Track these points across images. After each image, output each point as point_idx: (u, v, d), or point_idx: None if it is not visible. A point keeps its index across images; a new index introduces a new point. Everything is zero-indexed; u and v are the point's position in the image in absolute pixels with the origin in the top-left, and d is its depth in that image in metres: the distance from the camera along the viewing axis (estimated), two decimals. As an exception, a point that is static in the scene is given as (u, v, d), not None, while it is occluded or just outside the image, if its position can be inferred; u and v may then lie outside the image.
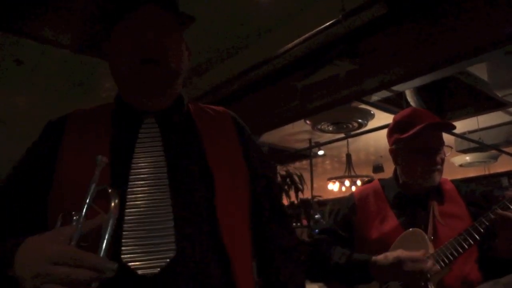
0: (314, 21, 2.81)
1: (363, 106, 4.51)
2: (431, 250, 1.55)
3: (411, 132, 1.67)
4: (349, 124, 5.07)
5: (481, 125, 5.51)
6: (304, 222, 5.85)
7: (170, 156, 1.02)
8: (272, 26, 3.01)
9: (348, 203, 1.84)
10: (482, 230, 1.47)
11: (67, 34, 2.97)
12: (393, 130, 1.82)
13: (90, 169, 0.85)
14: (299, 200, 5.42)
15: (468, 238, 1.48)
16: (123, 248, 0.88)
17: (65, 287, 0.72)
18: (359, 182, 7.02)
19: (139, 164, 0.99)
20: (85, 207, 0.80)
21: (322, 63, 3.06)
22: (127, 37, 1.03)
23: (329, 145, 6.39)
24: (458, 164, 6.10)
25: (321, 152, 7.16)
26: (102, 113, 1.12)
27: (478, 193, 1.72)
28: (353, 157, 6.90)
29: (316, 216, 5.97)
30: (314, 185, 6.46)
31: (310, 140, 6.59)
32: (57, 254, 0.74)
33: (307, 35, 2.90)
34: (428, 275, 1.46)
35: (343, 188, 7.32)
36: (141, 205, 0.93)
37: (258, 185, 1.15)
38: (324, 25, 2.78)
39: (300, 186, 5.26)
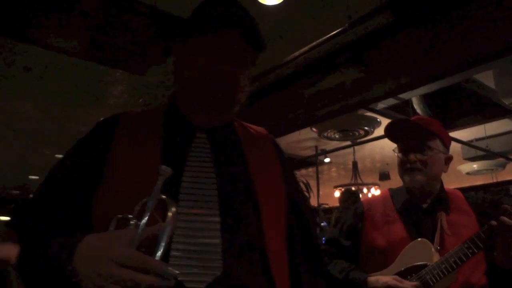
0: (320, 30, 2.82)
1: (370, 113, 4.51)
2: (437, 260, 1.55)
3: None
4: (355, 131, 5.07)
5: (488, 133, 5.48)
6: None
7: (219, 173, 1.03)
8: (279, 34, 3.01)
9: (356, 211, 1.85)
10: (486, 239, 1.46)
11: (75, 42, 3.00)
12: None
13: (145, 174, 0.88)
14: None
15: (471, 246, 1.49)
16: (171, 259, 0.89)
17: None
18: (365, 190, 6.99)
19: (191, 178, 1.01)
20: (148, 214, 0.80)
21: (328, 71, 3.07)
22: (204, 52, 1.04)
23: (335, 153, 6.39)
24: (465, 172, 6.06)
25: (327, 160, 7.15)
26: (154, 118, 1.13)
27: (487, 202, 1.73)
28: (359, 165, 6.89)
29: (322, 223, 5.95)
30: (320, 193, 6.44)
31: (316, 147, 6.59)
32: (123, 256, 0.75)
33: (314, 43, 2.90)
34: None
35: (349, 196, 7.29)
36: (191, 220, 0.95)
37: (293, 213, 1.15)
38: (330, 34, 2.79)
39: (306, 194, 5.24)
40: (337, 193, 7.31)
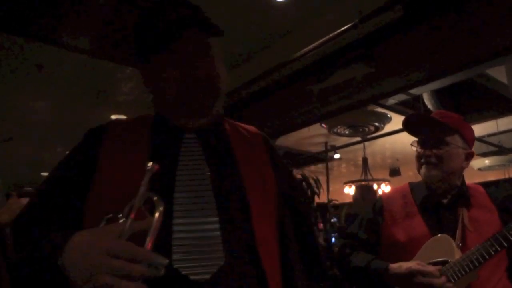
0: (330, 25, 2.81)
1: (380, 109, 4.49)
2: (458, 256, 1.53)
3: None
4: (365, 127, 5.05)
5: (501, 128, 5.43)
6: (320, 225, 5.82)
7: (212, 171, 1.06)
8: (288, 30, 3.01)
9: (375, 206, 1.83)
10: (510, 236, 1.45)
11: (86, 40, 3.02)
12: None
13: (133, 174, 0.89)
14: (315, 204, 5.41)
15: (495, 244, 1.46)
16: (174, 255, 0.92)
17: (120, 279, 0.74)
18: (375, 186, 6.96)
19: (185, 176, 1.03)
20: (135, 208, 0.83)
21: (338, 67, 3.06)
22: (175, 65, 1.05)
23: (345, 149, 6.37)
24: (477, 168, 6.02)
25: (337, 156, 7.14)
26: (141, 124, 1.15)
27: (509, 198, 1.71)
28: (369, 161, 6.86)
29: (332, 219, 5.94)
30: (330, 189, 6.43)
31: (326, 143, 6.57)
32: (113, 247, 0.77)
33: (324, 38, 2.89)
34: None
35: (360, 192, 7.27)
36: (190, 215, 0.98)
37: (285, 211, 1.17)
38: (341, 29, 2.78)
39: (316, 190, 5.24)
40: (347, 189, 7.29)
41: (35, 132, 5.56)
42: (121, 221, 0.83)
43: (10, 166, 7.58)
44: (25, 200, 1.99)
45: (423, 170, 1.72)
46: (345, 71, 3.03)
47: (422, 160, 1.72)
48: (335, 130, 5.13)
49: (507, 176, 7.55)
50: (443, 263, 1.54)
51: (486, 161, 5.92)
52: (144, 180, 0.85)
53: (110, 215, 0.86)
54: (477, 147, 5.76)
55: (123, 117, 4.79)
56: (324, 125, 5.07)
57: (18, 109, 4.68)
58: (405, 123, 1.81)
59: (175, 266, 0.91)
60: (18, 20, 2.73)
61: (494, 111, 4.55)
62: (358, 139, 5.69)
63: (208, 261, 0.93)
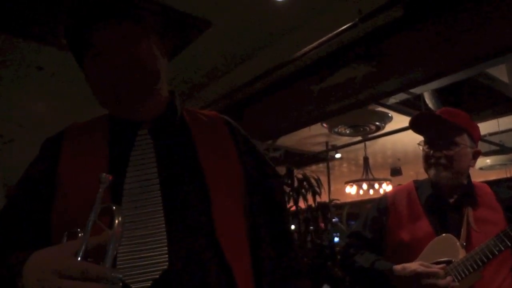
0: (330, 24, 2.80)
1: (381, 108, 4.48)
2: (462, 256, 1.52)
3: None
4: (366, 127, 5.04)
5: (502, 128, 5.41)
6: (322, 225, 5.82)
7: (164, 168, 1.02)
8: (288, 29, 3.00)
9: (380, 205, 1.82)
10: None
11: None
12: None
13: (91, 186, 0.84)
14: (316, 204, 5.40)
15: (498, 243, 1.45)
16: (117, 262, 0.89)
17: None
18: (376, 186, 6.96)
19: (132, 178, 1.00)
20: (90, 224, 0.79)
21: (339, 66, 3.05)
22: (98, 57, 1.03)
23: (346, 148, 6.36)
24: (479, 167, 6.01)
25: (338, 155, 7.13)
26: (98, 125, 1.12)
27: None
28: (371, 160, 6.85)
29: (334, 219, 5.93)
30: (331, 189, 6.42)
31: (327, 143, 6.56)
32: (63, 267, 0.74)
33: (324, 38, 2.89)
34: None
35: (361, 192, 7.27)
36: (133, 220, 0.94)
37: (256, 194, 1.13)
38: (341, 28, 2.77)
39: (317, 189, 5.23)
40: (348, 189, 7.29)
41: (35, 133, 5.56)
42: (80, 235, 0.81)
43: (11, 168, 7.58)
44: None
45: (432, 171, 1.70)
46: (346, 71, 3.02)
47: (432, 161, 1.69)
48: (336, 129, 5.12)
49: (508, 175, 7.54)
50: (447, 263, 1.53)
51: (488, 160, 5.92)
52: (99, 192, 0.82)
53: (71, 231, 0.83)
54: (478, 146, 5.74)
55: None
56: (325, 125, 5.06)
57: (18, 110, 4.68)
58: (412, 123, 1.78)
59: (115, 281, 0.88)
60: (18, 21, 2.72)
61: (495, 110, 4.55)
62: (359, 138, 5.68)
63: (150, 267, 0.90)
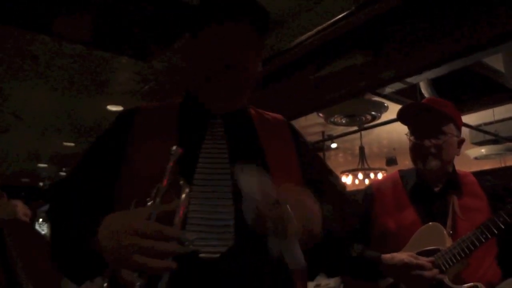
0: (328, 13, 2.79)
1: (377, 98, 4.47)
2: (449, 244, 1.54)
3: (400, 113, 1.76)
4: (362, 116, 5.04)
5: (497, 117, 5.42)
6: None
7: (233, 156, 1.09)
8: (286, 18, 2.99)
9: (366, 195, 1.83)
10: (500, 224, 1.45)
11: (81, 30, 2.99)
12: None
13: (160, 160, 0.92)
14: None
15: (485, 231, 1.47)
16: (186, 233, 0.93)
17: (151, 258, 0.79)
18: (372, 175, 6.98)
19: (207, 159, 1.08)
20: (162, 192, 0.87)
21: (335, 55, 3.04)
22: (216, 44, 1.08)
23: (342, 138, 6.37)
24: (473, 156, 6.02)
25: (334, 145, 7.13)
26: (169, 109, 1.20)
27: (501, 187, 1.71)
28: (366, 150, 6.86)
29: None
30: (327, 178, 6.43)
31: (323, 133, 6.57)
32: (141, 226, 0.81)
33: (321, 27, 2.88)
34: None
35: (356, 181, 7.28)
36: (206, 197, 1.02)
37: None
38: (338, 17, 2.76)
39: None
40: (344, 178, 7.30)
41: (31, 123, 5.53)
42: (149, 204, 0.87)
43: (6, 158, 7.56)
44: (16, 201, 1.99)
45: (421, 161, 1.70)
46: (343, 60, 3.02)
47: (422, 151, 1.69)
48: (332, 119, 5.11)
49: (503, 165, 7.58)
50: (434, 251, 1.55)
51: (482, 150, 5.92)
52: (169, 164, 0.90)
53: (139, 199, 0.90)
54: (473, 136, 5.76)
55: (119, 107, 4.77)
56: (321, 114, 5.06)
57: (14, 100, 4.65)
58: (401, 113, 1.78)
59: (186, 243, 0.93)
60: (12, 11, 2.70)
61: (491, 100, 4.55)
62: (355, 128, 5.68)
63: (218, 241, 0.97)
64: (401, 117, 1.79)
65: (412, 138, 1.73)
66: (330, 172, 1.32)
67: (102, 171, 1.08)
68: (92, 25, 2.94)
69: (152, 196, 0.88)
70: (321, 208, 1.05)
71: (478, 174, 1.81)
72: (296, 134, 1.29)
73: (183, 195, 0.87)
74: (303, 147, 1.26)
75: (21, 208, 1.94)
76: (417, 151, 1.72)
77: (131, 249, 0.79)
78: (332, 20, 2.80)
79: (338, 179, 1.34)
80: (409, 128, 1.77)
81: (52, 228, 1.07)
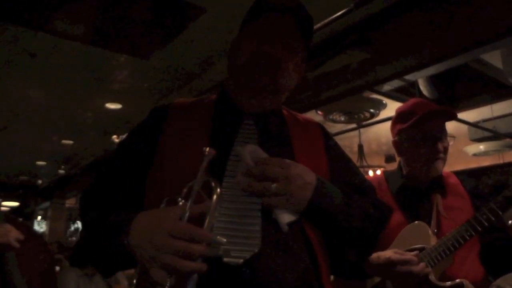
0: (325, 11, 2.79)
1: (375, 95, 4.48)
2: (434, 243, 1.55)
3: (412, 120, 1.69)
4: (360, 114, 5.04)
5: (496, 114, 5.43)
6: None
7: None
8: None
9: None
10: (483, 221, 1.47)
11: (80, 27, 2.99)
12: (396, 121, 1.83)
13: (192, 158, 0.93)
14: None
15: (469, 229, 1.50)
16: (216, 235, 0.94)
17: (181, 259, 0.79)
18: (371, 173, 6.98)
19: (235, 162, 1.05)
20: (194, 192, 0.87)
21: (334, 53, 3.04)
22: (255, 39, 1.09)
23: (340, 136, 6.37)
24: (472, 153, 6.03)
25: (332, 143, 7.13)
26: (203, 105, 1.19)
27: (490, 183, 1.73)
28: (365, 148, 6.86)
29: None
30: (326, 176, 6.44)
31: (321, 130, 6.56)
32: (174, 228, 0.82)
33: (318, 24, 2.87)
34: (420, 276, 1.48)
35: (355, 179, 7.29)
36: (235, 200, 0.99)
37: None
38: (336, 14, 2.76)
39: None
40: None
41: (29, 120, 5.52)
42: (180, 203, 0.88)
43: (4, 155, 7.55)
44: (8, 226, 1.98)
45: (428, 164, 1.69)
46: (341, 58, 3.02)
47: (435, 155, 1.68)
48: (330, 117, 5.11)
49: (501, 161, 7.59)
50: (420, 250, 1.56)
51: (481, 147, 5.93)
52: (202, 165, 0.90)
53: (170, 198, 0.91)
54: (472, 132, 5.77)
55: (118, 105, 4.77)
56: (319, 112, 5.06)
57: (12, 97, 4.65)
58: (423, 119, 1.70)
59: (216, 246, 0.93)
60: (10, 8, 2.69)
61: (489, 96, 4.55)
62: (354, 125, 5.68)
63: (243, 246, 0.94)
64: (422, 122, 1.72)
65: (425, 144, 1.70)
66: (360, 177, 1.28)
67: (135, 164, 1.09)
68: (91, 22, 2.94)
69: (183, 195, 0.89)
70: (348, 205, 1.06)
71: (460, 174, 1.83)
72: (327, 137, 1.27)
73: (214, 197, 0.87)
74: (333, 151, 1.25)
75: (14, 234, 1.95)
76: (428, 155, 1.69)
77: (163, 249, 0.80)
78: (330, 18, 2.79)
79: (371, 186, 1.29)
80: (415, 133, 1.73)
81: (85, 221, 1.09)
